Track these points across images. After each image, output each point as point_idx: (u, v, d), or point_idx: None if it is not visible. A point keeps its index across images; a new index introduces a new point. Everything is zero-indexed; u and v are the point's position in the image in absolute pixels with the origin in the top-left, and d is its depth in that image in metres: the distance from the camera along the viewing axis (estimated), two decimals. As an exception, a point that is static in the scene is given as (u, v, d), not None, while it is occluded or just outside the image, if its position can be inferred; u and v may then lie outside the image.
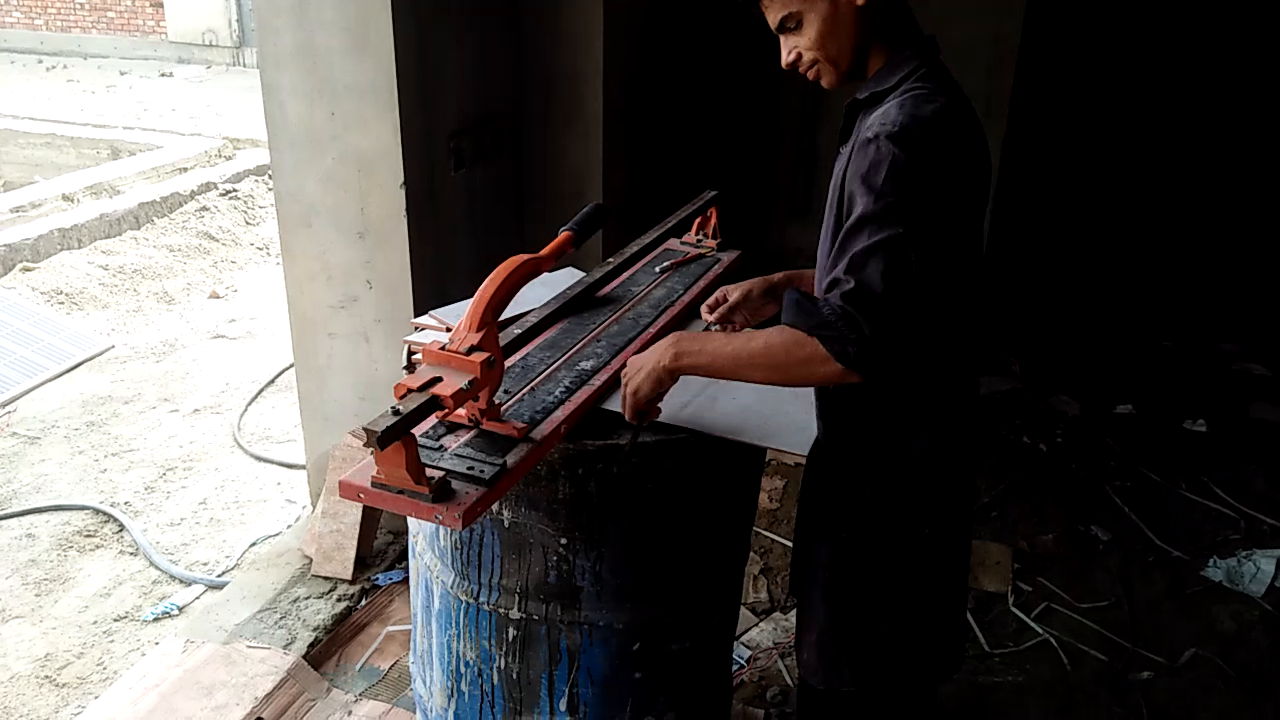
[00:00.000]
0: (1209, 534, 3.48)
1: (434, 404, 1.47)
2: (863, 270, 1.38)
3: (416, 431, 1.51)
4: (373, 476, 1.45)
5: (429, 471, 1.45)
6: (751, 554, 3.17)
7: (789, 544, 3.23)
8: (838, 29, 1.54)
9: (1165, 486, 3.75)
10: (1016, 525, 3.48)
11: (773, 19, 1.59)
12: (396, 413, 1.40)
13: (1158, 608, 3.12)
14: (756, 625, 2.91)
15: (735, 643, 2.78)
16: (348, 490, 1.48)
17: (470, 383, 1.50)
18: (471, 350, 1.52)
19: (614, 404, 1.79)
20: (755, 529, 3.29)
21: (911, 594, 1.72)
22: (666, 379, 1.59)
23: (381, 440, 1.37)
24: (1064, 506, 3.60)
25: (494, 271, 1.60)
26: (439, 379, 1.50)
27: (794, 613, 2.94)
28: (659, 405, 1.66)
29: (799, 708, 2.06)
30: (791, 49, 1.59)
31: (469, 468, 1.49)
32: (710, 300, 1.98)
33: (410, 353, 1.89)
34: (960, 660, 1.89)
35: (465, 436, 1.60)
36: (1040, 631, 2.96)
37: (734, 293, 1.94)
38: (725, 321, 1.95)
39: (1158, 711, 2.72)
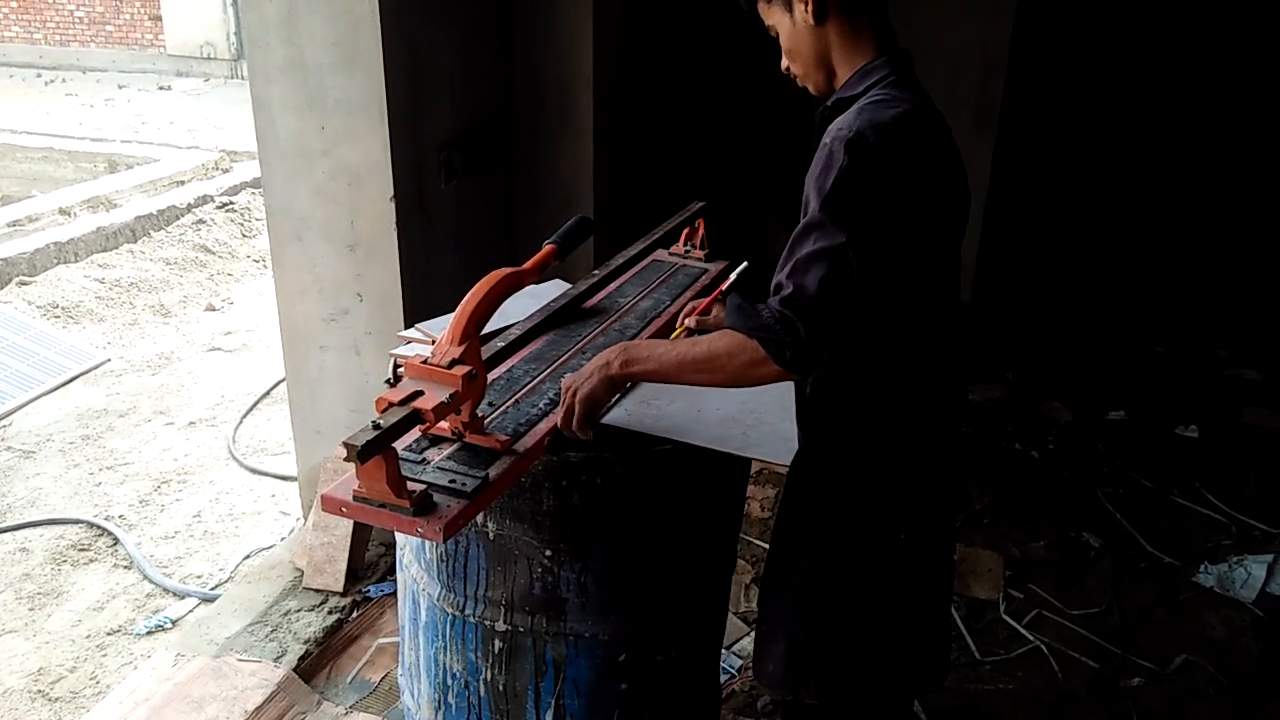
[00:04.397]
0: (1201, 540, 3.49)
1: (415, 418, 1.48)
2: (804, 276, 1.45)
3: (400, 445, 1.52)
4: (354, 490, 1.46)
5: (410, 485, 1.46)
6: (743, 563, 3.18)
7: (781, 553, 3.24)
8: (798, 45, 1.62)
9: (1157, 492, 3.76)
10: (1008, 532, 3.48)
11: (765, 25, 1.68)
12: (377, 427, 1.42)
13: (1149, 614, 3.13)
14: (748, 634, 2.91)
15: (726, 652, 2.80)
16: (330, 504, 1.49)
17: (451, 396, 1.51)
18: (453, 364, 1.53)
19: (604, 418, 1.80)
20: (747, 538, 3.30)
21: (887, 606, 1.72)
22: (615, 386, 1.64)
23: (361, 454, 1.38)
24: (1055, 513, 3.61)
25: (476, 285, 1.62)
26: (420, 393, 1.51)
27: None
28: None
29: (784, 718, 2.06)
30: (784, 56, 1.67)
31: (450, 480, 1.50)
32: (690, 321, 2.01)
33: (395, 366, 1.90)
34: (943, 676, 1.89)
35: (448, 450, 1.60)
36: (1031, 639, 2.96)
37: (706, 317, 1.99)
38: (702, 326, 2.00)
39: (1148, 718, 2.72)
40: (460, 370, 1.51)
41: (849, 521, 1.68)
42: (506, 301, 1.66)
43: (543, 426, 1.69)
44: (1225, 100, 5.49)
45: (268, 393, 4.71)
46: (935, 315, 1.63)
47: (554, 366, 1.91)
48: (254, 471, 4.04)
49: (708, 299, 2.05)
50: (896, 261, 1.49)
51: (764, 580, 1.87)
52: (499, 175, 3.44)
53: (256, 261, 6.80)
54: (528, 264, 1.73)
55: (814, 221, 1.46)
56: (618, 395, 1.72)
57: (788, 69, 1.68)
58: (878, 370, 1.61)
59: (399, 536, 1.99)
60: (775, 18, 1.63)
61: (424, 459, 1.57)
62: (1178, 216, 5.58)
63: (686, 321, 2.01)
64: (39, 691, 2.84)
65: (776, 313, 1.46)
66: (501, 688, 1.85)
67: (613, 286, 2.30)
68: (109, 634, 3.08)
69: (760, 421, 1.79)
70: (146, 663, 2.78)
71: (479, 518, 1.71)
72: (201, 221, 7.10)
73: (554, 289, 2.26)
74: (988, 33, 4.52)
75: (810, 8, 1.56)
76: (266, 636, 2.81)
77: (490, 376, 1.79)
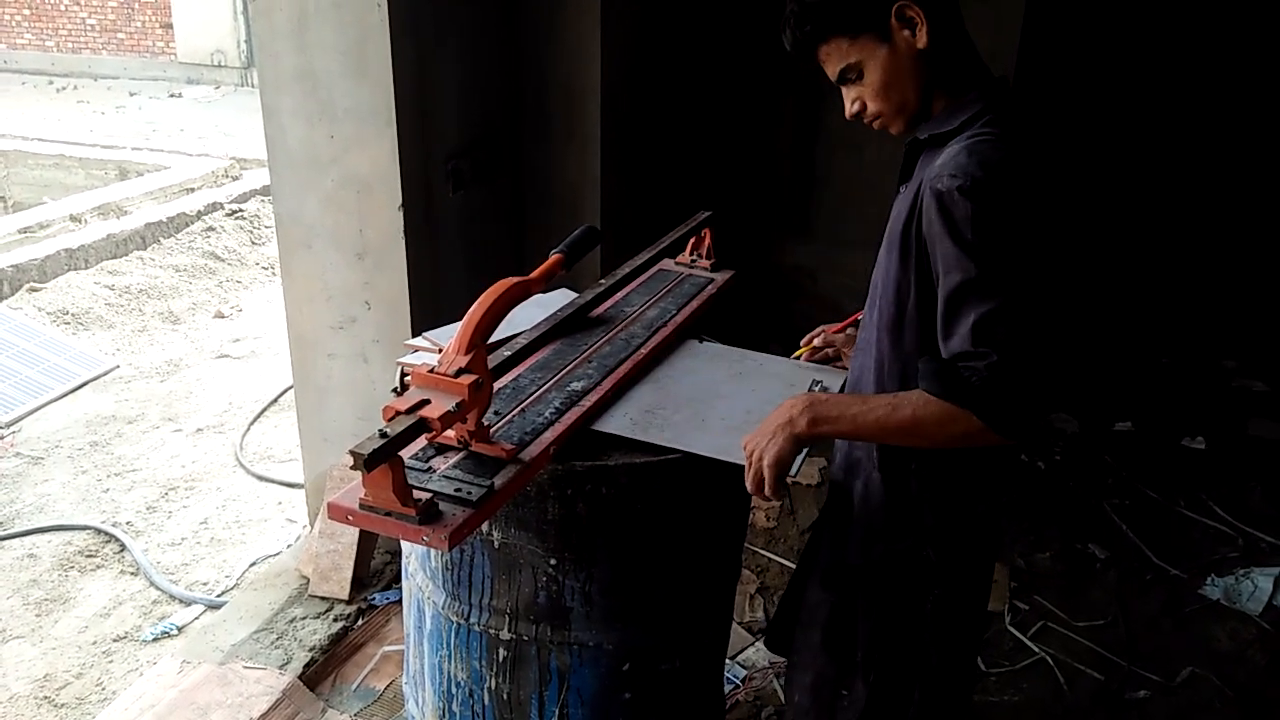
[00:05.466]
0: (1207, 552, 3.48)
1: (421, 426, 1.48)
2: (995, 339, 1.38)
3: (406, 453, 1.52)
4: (360, 499, 1.46)
5: (416, 493, 1.47)
6: (748, 573, 3.18)
7: (786, 563, 3.24)
8: (899, 76, 1.51)
9: (1163, 504, 3.75)
10: (1014, 543, 3.47)
11: (832, 71, 1.56)
12: (384, 435, 1.42)
13: (1155, 626, 3.12)
14: (752, 645, 2.91)
15: (730, 662, 2.80)
16: (336, 512, 1.50)
17: (458, 405, 1.51)
18: (460, 373, 1.54)
19: (604, 425, 1.81)
20: (752, 548, 3.30)
21: (913, 655, 1.71)
22: (801, 445, 1.54)
23: (368, 463, 1.39)
24: (1061, 524, 3.60)
25: (483, 295, 1.62)
26: (427, 401, 1.51)
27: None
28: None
29: None
30: (854, 100, 1.57)
31: (456, 489, 1.51)
32: (819, 340, 2.02)
33: (402, 374, 1.91)
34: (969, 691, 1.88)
35: (454, 458, 1.61)
36: (1037, 650, 2.96)
37: (837, 335, 1.98)
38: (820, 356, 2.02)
39: (1154, 731, 2.72)
40: (467, 379, 1.52)
41: (887, 574, 1.68)
42: (513, 310, 1.66)
43: (548, 435, 1.69)
44: (1233, 110, 5.48)
45: (275, 400, 4.73)
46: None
47: (559, 375, 1.92)
48: (261, 479, 4.05)
49: (844, 322, 2.00)
50: (1049, 301, 1.45)
51: (802, 611, 1.86)
52: (506, 184, 3.45)
53: (265, 269, 6.83)
54: (535, 273, 1.74)
55: (971, 280, 1.39)
56: (804, 451, 1.61)
57: (859, 111, 1.57)
58: None
59: (405, 545, 1.99)
60: (863, 53, 1.51)
61: (430, 467, 1.57)
62: (1184, 227, 5.57)
63: (815, 340, 1.99)
64: (45, 698, 2.85)
65: (987, 380, 1.38)
66: (506, 696, 1.85)
67: (619, 295, 2.30)
68: (115, 640, 3.09)
69: (765, 432, 1.79)
70: (152, 669, 2.79)
71: (484, 526, 1.72)
72: (211, 229, 7.14)
73: (561, 298, 2.26)
74: (993, 45, 4.52)
75: (924, 30, 1.47)
76: (272, 644, 2.82)
77: (497, 385, 1.80)
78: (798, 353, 2.03)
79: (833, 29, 1.51)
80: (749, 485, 1.57)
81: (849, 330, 1.97)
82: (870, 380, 1.65)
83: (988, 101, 1.51)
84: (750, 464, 1.56)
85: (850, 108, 1.58)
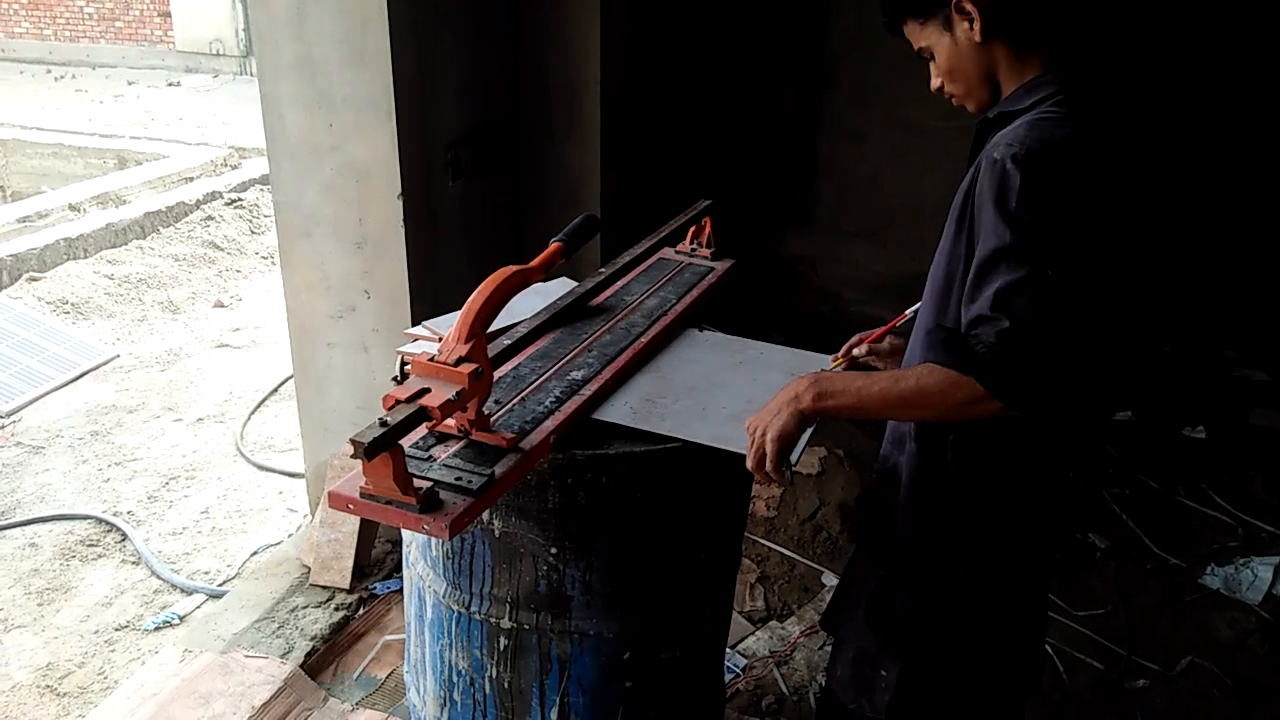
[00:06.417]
0: (1207, 541, 3.48)
1: (422, 415, 1.48)
2: (1012, 307, 1.37)
3: (406, 442, 1.52)
4: (361, 487, 1.47)
5: (416, 482, 1.47)
6: (748, 562, 3.18)
7: (786, 553, 3.24)
8: (961, 63, 1.56)
9: (1164, 493, 3.76)
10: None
11: (915, 48, 1.62)
12: (384, 424, 1.42)
13: (1155, 615, 3.12)
14: (753, 634, 2.92)
15: (731, 651, 2.80)
16: (337, 501, 1.50)
17: (458, 394, 1.51)
18: (460, 361, 1.54)
19: (604, 414, 1.81)
20: (752, 537, 3.30)
21: (956, 634, 1.70)
22: (806, 422, 1.54)
23: (368, 451, 1.39)
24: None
25: (482, 283, 1.62)
26: (427, 390, 1.51)
27: (789, 621, 2.96)
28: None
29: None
30: (935, 76, 1.63)
31: (457, 478, 1.51)
32: (860, 350, 1.96)
33: (402, 363, 1.91)
34: (1026, 694, 1.85)
35: (454, 447, 1.61)
36: (1037, 639, 2.96)
37: (880, 345, 1.93)
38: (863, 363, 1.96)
39: None
40: (467, 368, 1.52)
41: (928, 549, 1.67)
42: (513, 299, 1.66)
43: (549, 424, 1.69)
44: (1234, 98, 5.46)
45: (276, 389, 4.73)
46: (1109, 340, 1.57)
47: (559, 364, 1.92)
48: (261, 468, 4.05)
49: (881, 329, 1.97)
50: (1089, 282, 1.43)
51: (850, 587, 1.86)
52: (506, 174, 3.44)
53: (265, 258, 6.82)
54: (534, 262, 1.73)
55: (1004, 247, 1.38)
56: (809, 430, 1.60)
57: (940, 88, 1.62)
58: None
59: (405, 533, 2.00)
60: (931, 38, 1.57)
61: (430, 456, 1.57)
62: (1186, 215, 5.56)
63: (856, 350, 1.95)
64: (47, 686, 2.86)
65: (994, 347, 1.37)
66: (507, 685, 1.85)
67: (619, 284, 2.30)
68: (117, 630, 3.09)
69: (766, 420, 1.78)
70: (154, 658, 2.80)
71: (485, 515, 1.72)
72: (210, 218, 7.13)
73: (560, 287, 2.26)
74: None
75: (978, 25, 1.49)
76: (273, 633, 2.82)
77: (497, 374, 1.80)
78: (836, 363, 1.96)
79: (905, 13, 1.59)
80: (750, 463, 1.58)
81: (890, 339, 1.94)
82: (917, 354, 1.64)
83: (1063, 84, 1.51)
84: (752, 441, 1.56)
85: (933, 82, 1.64)
